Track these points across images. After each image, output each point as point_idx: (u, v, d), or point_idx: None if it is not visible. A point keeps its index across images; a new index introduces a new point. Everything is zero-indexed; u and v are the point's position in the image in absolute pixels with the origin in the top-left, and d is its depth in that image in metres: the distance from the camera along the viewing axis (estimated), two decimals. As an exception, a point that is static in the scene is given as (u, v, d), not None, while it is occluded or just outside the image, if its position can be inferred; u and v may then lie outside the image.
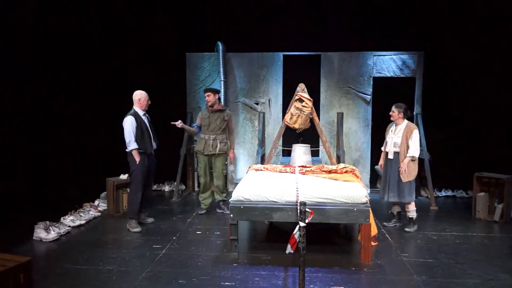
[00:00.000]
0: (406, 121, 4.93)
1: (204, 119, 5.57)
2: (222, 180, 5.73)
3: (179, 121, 5.32)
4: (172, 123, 5.33)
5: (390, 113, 4.95)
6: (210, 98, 5.48)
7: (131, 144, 4.78)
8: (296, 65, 7.08)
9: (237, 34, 7.15)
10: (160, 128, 5.63)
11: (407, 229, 4.93)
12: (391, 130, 5.01)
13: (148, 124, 5.00)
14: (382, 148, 5.16)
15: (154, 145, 5.07)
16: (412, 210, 4.94)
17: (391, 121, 5.01)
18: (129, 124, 4.77)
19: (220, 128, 5.58)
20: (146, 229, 5.01)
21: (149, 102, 5.01)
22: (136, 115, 4.86)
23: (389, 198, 4.96)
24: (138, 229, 4.90)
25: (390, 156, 4.96)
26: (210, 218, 5.55)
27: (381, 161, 5.18)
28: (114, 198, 5.63)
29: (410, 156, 4.77)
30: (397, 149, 4.88)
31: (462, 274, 3.71)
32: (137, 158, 4.81)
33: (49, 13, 5.40)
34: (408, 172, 4.80)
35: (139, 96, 4.93)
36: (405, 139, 4.81)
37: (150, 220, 5.29)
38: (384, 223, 5.19)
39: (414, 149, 4.78)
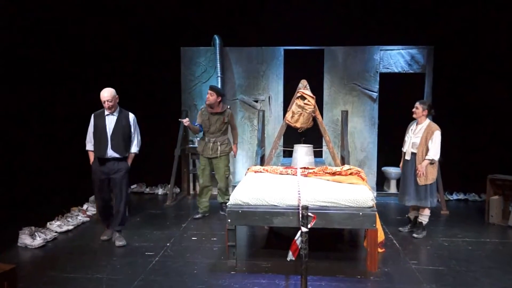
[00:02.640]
0: (428, 121, 4.86)
1: (204, 120, 5.59)
2: (225, 182, 5.79)
3: (187, 119, 5.49)
4: (179, 119, 5.49)
5: (413, 109, 4.89)
6: (211, 98, 5.47)
7: (86, 145, 4.67)
8: (298, 60, 7.07)
9: (235, 27, 7.13)
10: (153, 127, 5.63)
11: (415, 235, 4.93)
12: (411, 129, 4.96)
13: (112, 126, 4.50)
14: (402, 149, 5.08)
15: (111, 153, 4.47)
16: (425, 215, 4.94)
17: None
18: (90, 122, 4.63)
19: (220, 131, 5.62)
20: (138, 235, 4.99)
21: (107, 104, 4.42)
22: (97, 115, 4.58)
23: (406, 202, 4.95)
24: (104, 237, 4.81)
25: (407, 157, 4.92)
26: (206, 223, 5.55)
27: (402, 163, 5.11)
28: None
29: (429, 159, 4.72)
30: (414, 150, 4.83)
31: (475, 282, 3.70)
32: (91, 159, 4.66)
33: (46, 11, 5.41)
34: (426, 175, 4.75)
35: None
36: (424, 140, 4.75)
37: (122, 243, 4.59)
38: (400, 228, 5.18)
39: (434, 152, 4.71)
